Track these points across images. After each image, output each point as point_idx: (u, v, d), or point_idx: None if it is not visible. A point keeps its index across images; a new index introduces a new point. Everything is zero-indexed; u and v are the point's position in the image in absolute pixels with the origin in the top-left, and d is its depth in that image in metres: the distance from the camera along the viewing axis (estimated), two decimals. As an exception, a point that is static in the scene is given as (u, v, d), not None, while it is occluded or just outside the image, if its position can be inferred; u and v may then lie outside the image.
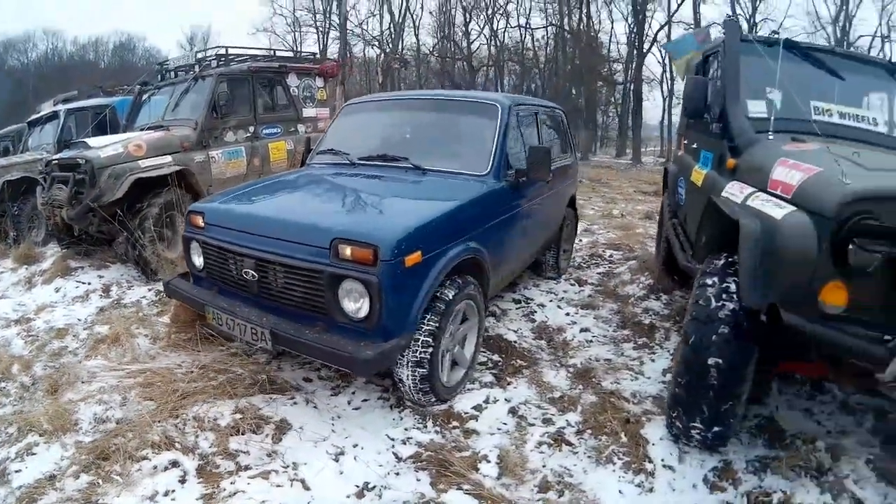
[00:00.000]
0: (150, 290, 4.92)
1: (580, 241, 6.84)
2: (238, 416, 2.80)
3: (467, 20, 34.30)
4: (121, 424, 2.75)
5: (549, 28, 32.94)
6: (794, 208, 2.24)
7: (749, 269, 2.24)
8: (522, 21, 33.89)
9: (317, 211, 3.11)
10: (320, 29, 30.19)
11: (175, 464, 2.51)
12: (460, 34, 34.67)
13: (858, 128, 3.48)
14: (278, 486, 2.42)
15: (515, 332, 4.05)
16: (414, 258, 2.63)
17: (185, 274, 3.62)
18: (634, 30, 29.73)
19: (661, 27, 29.44)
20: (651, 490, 2.47)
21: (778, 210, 2.28)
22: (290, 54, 8.18)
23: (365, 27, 32.79)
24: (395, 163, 3.67)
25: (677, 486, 2.49)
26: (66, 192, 5.06)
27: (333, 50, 29.68)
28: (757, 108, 3.35)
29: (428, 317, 2.76)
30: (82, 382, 3.18)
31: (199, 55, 6.50)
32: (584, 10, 30.30)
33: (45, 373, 3.45)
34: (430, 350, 2.77)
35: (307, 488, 2.41)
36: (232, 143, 5.99)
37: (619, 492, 2.45)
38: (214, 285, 3.30)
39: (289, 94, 6.67)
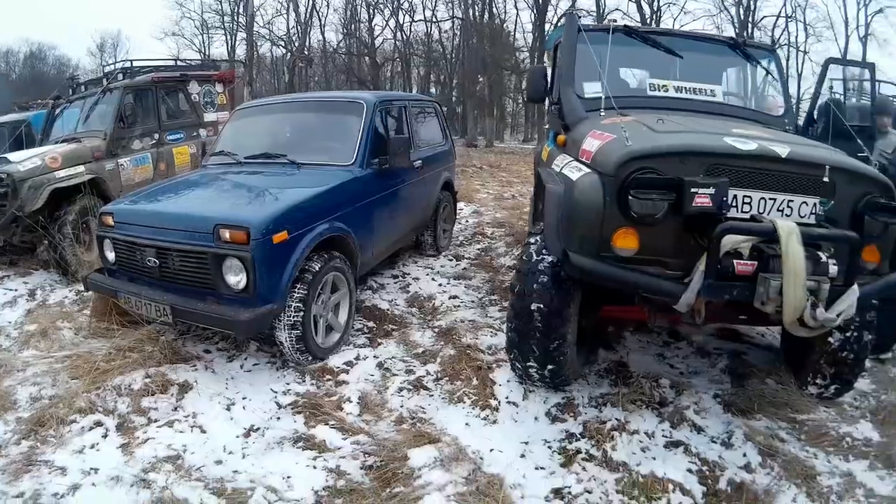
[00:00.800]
0: (70, 290, 5.40)
1: (466, 221, 7.57)
2: (148, 380, 3.42)
3: (371, 16, 34.66)
4: (53, 399, 3.32)
5: (455, 20, 33.71)
6: (589, 171, 2.72)
7: (550, 223, 2.77)
8: (428, 14, 34.58)
9: (204, 204, 3.74)
10: (228, 30, 30.12)
11: (98, 424, 3.09)
12: (365, 30, 35.01)
13: (694, 99, 3.89)
14: (181, 432, 3.04)
15: (390, 301, 4.73)
16: (281, 236, 3.30)
17: (100, 269, 4.19)
18: (536, 19, 30.75)
19: (562, 15, 30.45)
20: (494, 422, 3.03)
21: (576, 173, 2.75)
22: (195, 62, 8.62)
23: (270, 26, 32.76)
24: (276, 160, 4.32)
25: (519, 418, 3.07)
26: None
27: (241, 51, 29.71)
28: (593, 90, 3.82)
29: (298, 286, 3.43)
30: (17, 371, 3.72)
31: (107, 69, 6.94)
32: (487, 1, 31.19)
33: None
34: (302, 314, 3.43)
35: (203, 432, 3.03)
36: (139, 151, 6.47)
37: (466, 424, 3.02)
38: (125, 275, 3.88)
39: (190, 101, 7.16)
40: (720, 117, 3.61)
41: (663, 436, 2.89)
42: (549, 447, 2.84)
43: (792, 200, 2.70)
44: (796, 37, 31.67)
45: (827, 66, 4.37)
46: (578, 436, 2.90)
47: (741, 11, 30.28)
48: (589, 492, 2.50)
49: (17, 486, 2.61)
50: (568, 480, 2.58)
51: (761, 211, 2.68)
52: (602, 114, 3.43)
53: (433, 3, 34.38)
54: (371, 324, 4.29)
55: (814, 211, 2.71)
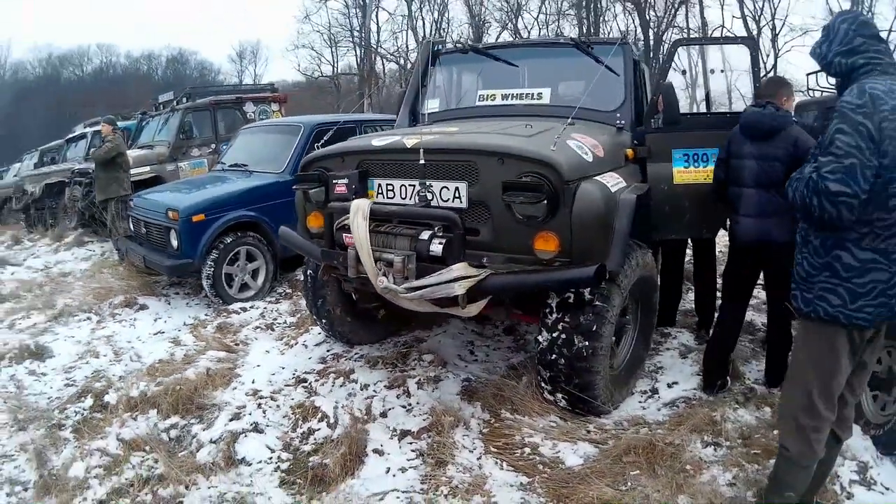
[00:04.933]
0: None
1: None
2: (124, 299, 5.89)
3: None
4: (73, 305, 5.90)
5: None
6: None
7: None
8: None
9: (172, 196, 6.10)
10: (356, 44, 33.82)
11: (89, 318, 5.60)
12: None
13: (517, 104, 4.33)
14: (122, 326, 5.34)
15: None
16: (198, 217, 5.56)
17: (128, 236, 6.80)
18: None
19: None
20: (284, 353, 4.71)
21: None
22: (254, 86, 11.48)
23: (385, 43, 35.31)
24: (241, 167, 6.65)
25: (309, 342, 4.68)
26: (80, 192, 8.56)
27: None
28: (433, 106, 4.69)
29: (213, 251, 5.67)
30: (70, 291, 6.41)
31: (175, 95, 9.95)
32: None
33: (49, 290, 6.72)
34: (213, 270, 5.61)
35: (133, 328, 5.32)
36: (197, 157, 9.25)
37: (266, 351, 4.55)
38: (135, 240, 6.44)
39: (245, 118, 9.83)
40: (520, 118, 3.99)
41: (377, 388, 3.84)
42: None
43: (432, 185, 3.23)
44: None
45: (675, 48, 4.40)
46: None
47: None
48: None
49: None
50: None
51: (404, 197, 3.32)
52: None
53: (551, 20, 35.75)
54: (290, 290, 6.44)
55: (457, 195, 3.18)
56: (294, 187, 3.84)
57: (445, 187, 3.23)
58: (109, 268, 7.23)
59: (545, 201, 2.92)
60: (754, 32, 28.96)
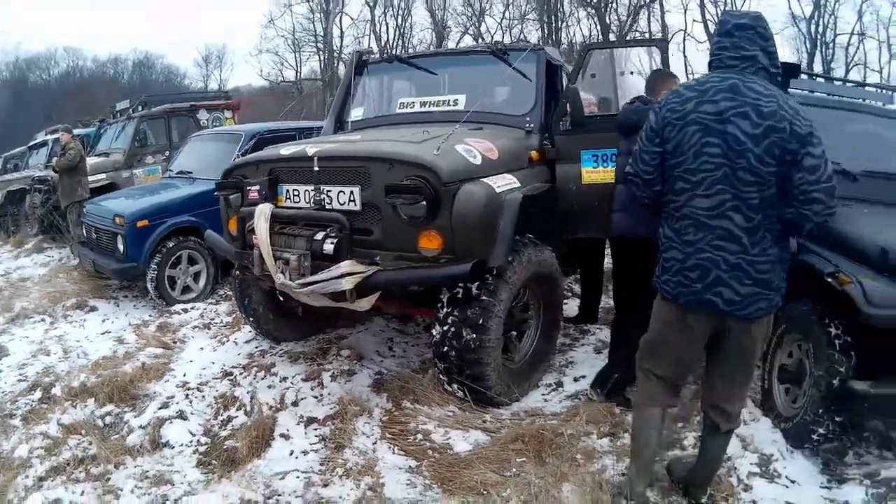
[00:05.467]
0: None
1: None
2: (75, 302, 6.34)
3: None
4: (29, 308, 6.32)
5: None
6: None
7: None
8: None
9: (118, 202, 6.56)
10: (320, 49, 34.06)
11: (43, 319, 6.04)
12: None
13: (433, 111, 4.56)
14: (73, 326, 5.80)
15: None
16: (143, 223, 6.00)
17: (81, 241, 7.20)
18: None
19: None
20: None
21: None
22: (209, 93, 11.89)
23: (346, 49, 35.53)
24: (185, 174, 7.08)
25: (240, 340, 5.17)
26: (39, 198, 8.94)
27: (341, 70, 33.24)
28: (357, 114, 5.05)
29: (156, 256, 6.12)
30: (27, 295, 6.83)
31: (132, 103, 10.36)
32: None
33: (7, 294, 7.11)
34: (157, 273, 6.06)
35: (83, 328, 5.77)
36: (151, 164, 9.65)
37: (201, 349, 5.17)
38: (87, 245, 6.86)
39: (199, 125, 10.19)
40: (432, 124, 4.19)
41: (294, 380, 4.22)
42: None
43: (331, 190, 3.54)
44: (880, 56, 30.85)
45: (586, 52, 4.44)
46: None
47: (812, 29, 30.44)
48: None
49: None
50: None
51: (308, 201, 3.64)
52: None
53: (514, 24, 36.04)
54: (230, 292, 6.87)
55: (352, 198, 3.48)
56: (215, 194, 4.25)
57: (342, 191, 3.55)
58: (65, 272, 7.67)
59: (424, 202, 3.18)
60: (715, 35, 29.82)
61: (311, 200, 3.67)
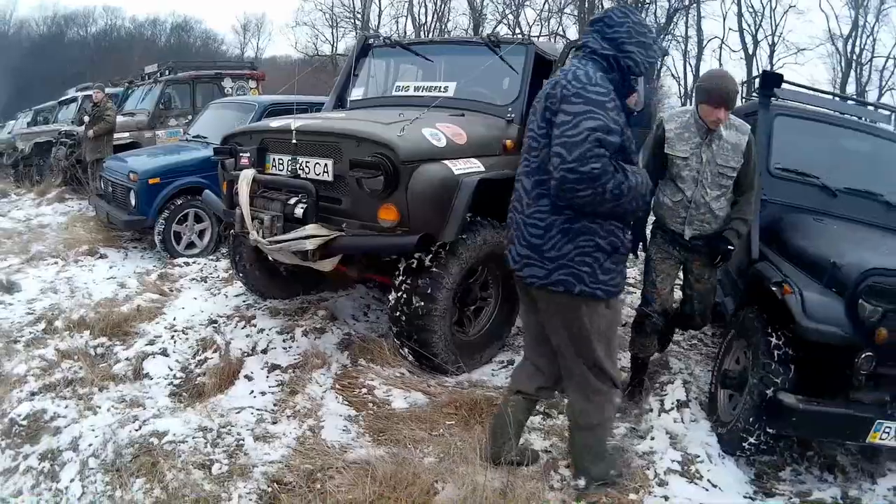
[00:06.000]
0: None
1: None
2: (87, 249, 6.86)
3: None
4: (45, 252, 6.86)
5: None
6: None
7: None
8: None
9: (135, 161, 7.04)
10: (357, 25, 34.31)
11: (55, 262, 6.56)
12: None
13: (424, 95, 4.76)
14: (82, 270, 6.30)
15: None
16: (154, 180, 6.48)
17: (99, 194, 7.73)
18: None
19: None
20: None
21: None
22: (236, 62, 12.39)
23: (385, 28, 35.72)
24: (203, 140, 7.52)
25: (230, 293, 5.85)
26: (64, 151, 9.49)
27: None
28: (357, 94, 5.41)
29: (165, 211, 6.59)
30: (45, 241, 7.38)
31: (159, 67, 10.85)
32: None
33: (26, 238, 7.67)
34: (164, 228, 6.56)
35: (91, 272, 6.28)
36: (174, 127, 10.16)
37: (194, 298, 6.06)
38: (104, 198, 7.37)
39: (223, 93, 10.67)
40: (419, 108, 4.30)
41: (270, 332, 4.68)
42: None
43: (307, 161, 3.92)
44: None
45: (569, 49, 4.53)
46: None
47: (848, 48, 30.06)
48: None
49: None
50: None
51: (292, 169, 3.99)
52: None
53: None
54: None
55: (325, 170, 3.83)
56: (212, 158, 4.68)
57: (317, 163, 3.90)
58: (82, 222, 8.19)
59: (383, 177, 3.50)
60: (750, 47, 29.69)
61: (288, 169, 4.06)
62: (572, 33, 30.21)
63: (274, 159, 4.21)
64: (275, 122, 4.38)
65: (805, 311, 2.80)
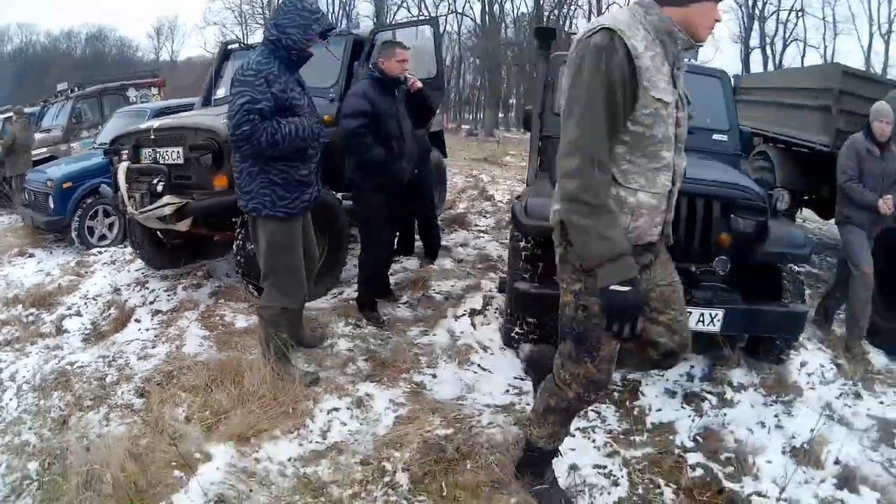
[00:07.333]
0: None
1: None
2: (27, 250, 8.36)
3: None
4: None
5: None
6: None
7: None
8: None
9: (51, 169, 8.54)
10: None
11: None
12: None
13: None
14: (31, 262, 7.92)
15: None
16: (67, 184, 7.94)
17: (25, 204, 9.19)
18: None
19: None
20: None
21: None
22: (141, 72, 13.76)
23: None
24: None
25: (133, 269, 7.63)
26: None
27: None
28: (221, 93, 6.52)
29: (78, 210, 8.09)
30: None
31: (69, 84, 12.20)
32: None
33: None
34: (79, 224, 8.04)
35: (39, 262, 7.88)
36: (86, 137, 11.50)
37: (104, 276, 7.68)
38: (29, 207, 8.87)
39: (128, 102, 12.00)
40: None
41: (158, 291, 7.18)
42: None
43: (166, 150, 5.12)
44: (825, 33, 32.69)
45: (374, 35, 5.89)
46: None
47: (749, 3, 31.70)
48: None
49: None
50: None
51: (153, 158, 5.19)
52: None
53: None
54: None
55: (178, 155, 5.06)
56: (102, 157, 6.37)
57: (172, 151, 5.11)
58: (12, 232, 9.65)
59: (211, 155, 4.74)
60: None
61: (152, 158, 5.34)
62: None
63: (145, 152, 5.43)
64: (144, 125, 5.69)
65: (526, 211, 3.59)
